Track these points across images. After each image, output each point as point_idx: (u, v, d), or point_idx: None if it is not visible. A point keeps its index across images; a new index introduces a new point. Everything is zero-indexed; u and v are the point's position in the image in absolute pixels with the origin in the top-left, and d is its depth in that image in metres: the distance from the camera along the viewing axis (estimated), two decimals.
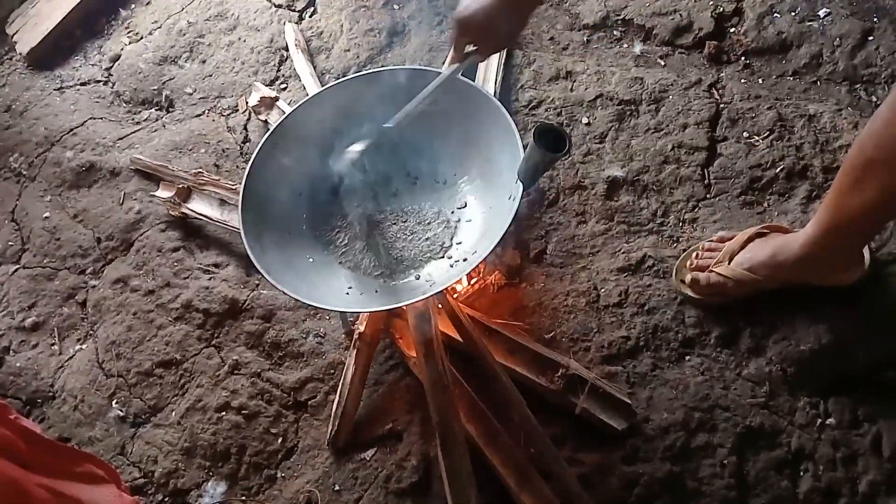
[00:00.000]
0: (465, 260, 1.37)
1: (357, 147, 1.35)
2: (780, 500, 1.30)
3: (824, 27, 1.78)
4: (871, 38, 1.74)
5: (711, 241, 1.51)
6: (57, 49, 2.27)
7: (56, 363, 1.68)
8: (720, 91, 1.75)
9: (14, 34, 2.31)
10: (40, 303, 1.77)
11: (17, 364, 1.69)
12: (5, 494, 1.06)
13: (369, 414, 1.50)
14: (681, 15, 1.87)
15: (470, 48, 1.27)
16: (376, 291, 1.39)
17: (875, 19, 1.76)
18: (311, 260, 1.40)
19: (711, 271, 1.45)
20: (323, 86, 1.91)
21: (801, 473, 1.32)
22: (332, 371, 1.55)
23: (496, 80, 1.79)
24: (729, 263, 1.44)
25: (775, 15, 1.82)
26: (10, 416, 1.19)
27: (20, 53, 2.27)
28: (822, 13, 1.80)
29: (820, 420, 1.36)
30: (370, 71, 1.46)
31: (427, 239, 1.44)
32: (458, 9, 1.20)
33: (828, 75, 1.73)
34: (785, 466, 1.33)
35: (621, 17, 1.92)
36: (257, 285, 1.68)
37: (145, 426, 1.55)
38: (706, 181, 1.64)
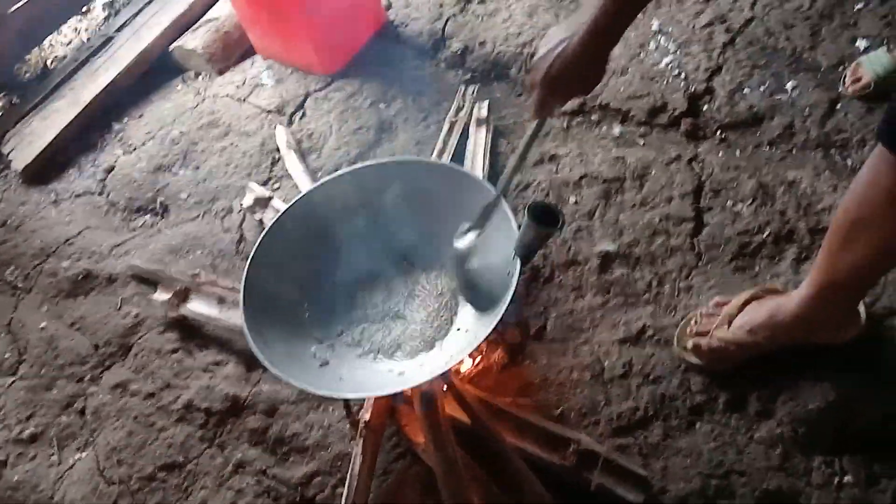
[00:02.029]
0: (467, 337, 1.38)
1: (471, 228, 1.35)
2: None
3: (793, 99, 1.87)
4: (838, 106, 1.83)
5: (709, 306, 1.53)
6: (51, 164, 2.32)
7: (55, 474, 1.63)
8: (700, 164, 1.81)
9: (9, 152, 2.36)
10: (38, 413, 1.74)
11: (15, 478, 1.64)
12: None
13: None
14: (654, 97, 1.96)
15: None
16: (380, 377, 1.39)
17: (839, 89, 1.85)
18: (314, 351, 1.41)
19: (712, 336, 1.46)
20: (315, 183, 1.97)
21: None
22: (339, 463, 1.52)
23: (484, 166, 1.85)
24: (728, 327, 1.46)
25: (745, 90, 1.91)
26: None
27: (15, 170, 2.32)
28: (789, 86, 1.89)
29: (837, 479, 1.35)
30: (364, 164, 1.50)
31: (428, 322, 1.45)
32: (539, 67, 1.10)
33: (802, 143, 1.81)
34: None
35: (597, 103, 2.01)
36: (258, 381, 1.67)
37: None
38: (696, 250, 1.67)
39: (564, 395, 1.52)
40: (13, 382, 1.81)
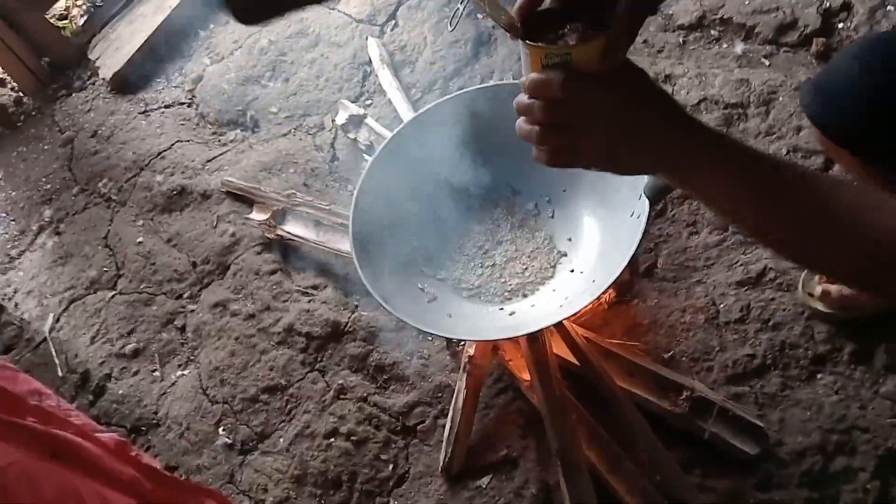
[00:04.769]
0: (583, 279, 1.31)
1: None
2: None
3: None
4: None
5: None
6: (139, 72, 2.28)
7: (159, 390, 1.67)
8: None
9: (96, 59, 2.33)
10: (139, 328, 1.77)
11: (120, 391, 1.69)
12: None
13: (481, 439, 1.45)
14: (784, 12, 1.78)
15: None
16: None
17: None
18: (421, 286, 1.36)
19: None
20: (409, 101, 1.88)
21: None
22: (440, 394, 1.51)
23: None
24: None
25: (888, 7, 1.72)
26: (132, 453, 1.18)
27: (103, 78, 2.29)
28: None
29: None
30: (475, 87, 1.42)
31: (537, 259, 1.39)
32: None
33: None
34: None
35: (718, 16, 1.84)
36: (356, 306, 1.65)
37: (253, 453, 1.54)
38: None
39: (675, 338, 1.46)
40: (113, 297, 1.84)
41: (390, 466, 1.46)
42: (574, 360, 1.40)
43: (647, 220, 1.18)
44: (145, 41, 2.29)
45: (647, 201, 1.19)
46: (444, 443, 1.42)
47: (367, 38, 2.08)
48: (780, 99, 1.66)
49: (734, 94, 1.69)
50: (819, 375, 1.38)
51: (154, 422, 1.63)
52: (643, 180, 1.19)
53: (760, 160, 0.68)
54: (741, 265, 1.50)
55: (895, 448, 1.29)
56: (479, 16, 2.04)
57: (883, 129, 1.02)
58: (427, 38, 2.04)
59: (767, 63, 1.76)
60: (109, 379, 1.72)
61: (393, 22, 2.12)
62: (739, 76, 1.72)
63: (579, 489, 1.29)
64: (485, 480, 1.41)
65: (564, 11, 0.70)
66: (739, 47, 1.80)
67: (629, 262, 1.18)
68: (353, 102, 1.95)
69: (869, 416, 1.32)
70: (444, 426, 1.44)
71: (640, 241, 1.16)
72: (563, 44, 0.67)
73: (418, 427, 1.49)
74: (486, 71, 1.93)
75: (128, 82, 2.28)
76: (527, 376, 1.41)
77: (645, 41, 1.88)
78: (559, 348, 1.41)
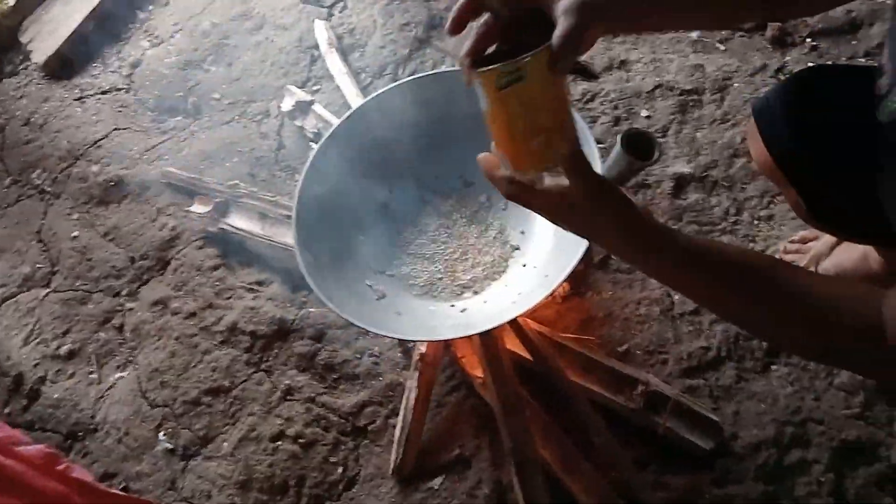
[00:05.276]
0: (536, 275, 1.27)
1: None
2: None
3: None
4: None
5: (793, 241, 1.41)
6: (74, 56, 2.18)
7: (96, 393, 1.59)
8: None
9: (28, 42, 2.21)
10: (75, 328, 1.68)
11: (55, 395, 1.61)
12: None
13: (433, 439, 1.41)
14: None
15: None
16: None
17: None
18: (369, 283, 1.31)
19: None
20: (359, 86, 1.82)
21: None
22: (391, 393, 1.46)
23: None
24: (815, 268, 1.34)
25: None
26: (59, 466, 1.11)
27: (36, 63, 2.18)
28: None
29: None
30: (425, 74, 1.36)
31: (489, 253, 1.34)
32: None
33: None
34: (887, 482, 1.25)
35: None
36: (304, 303, 1.59)
37: (196, 459, 1.47)
38: None
39: (630, 331, 1.43)
40: (47, 294, 1.75)
41: (340, 469, 1.41)
42: (528, 356, 1.36)
43: None
44: (80, 23, 2.18)
45: None
46: (395, 443, 1.38)
47: (314, 21, 2.00)
48: (735, 85, 1.64)
49: (689, 79, 1.66)
50: (774, 367, 1.36)
51: (91, 427, 1.55)
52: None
53: (705, 261, 0.72)
54: None
55: (849, 440, 1.28)
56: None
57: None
58: (377, 20, 1.97)
59: (723, 48, 1.73)
60: (44, 382, 1.63)
61: (342, 4, 2.05)
62: (694, 61, 1.69)
63: (533, 489, 1.25)
64: (437, 481, 1.36)
65: (509, 53, 0.69)
66: (695, 32, 1.77)
67: (582, 256, 1.14)
68: (299, 88, 1.88)
69: (823, 408, 1.31)
70: (395, 426, 1.39)
71: None
72: (510, 62, 0.66)
73: (369, 427, 1.44)
74: (439, 56, 1.87)
75: (62, 67, 2.17)
76: (480, 373, 1.37)
77: None
78: (512, 344, 1.37)
